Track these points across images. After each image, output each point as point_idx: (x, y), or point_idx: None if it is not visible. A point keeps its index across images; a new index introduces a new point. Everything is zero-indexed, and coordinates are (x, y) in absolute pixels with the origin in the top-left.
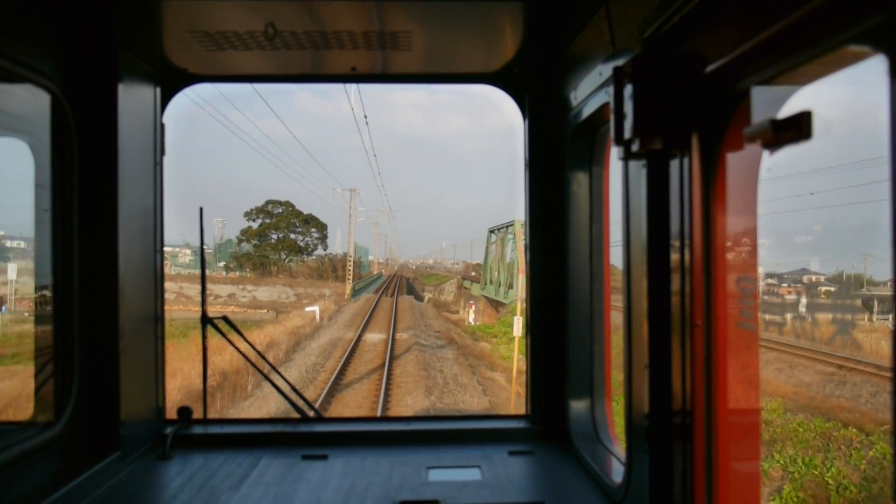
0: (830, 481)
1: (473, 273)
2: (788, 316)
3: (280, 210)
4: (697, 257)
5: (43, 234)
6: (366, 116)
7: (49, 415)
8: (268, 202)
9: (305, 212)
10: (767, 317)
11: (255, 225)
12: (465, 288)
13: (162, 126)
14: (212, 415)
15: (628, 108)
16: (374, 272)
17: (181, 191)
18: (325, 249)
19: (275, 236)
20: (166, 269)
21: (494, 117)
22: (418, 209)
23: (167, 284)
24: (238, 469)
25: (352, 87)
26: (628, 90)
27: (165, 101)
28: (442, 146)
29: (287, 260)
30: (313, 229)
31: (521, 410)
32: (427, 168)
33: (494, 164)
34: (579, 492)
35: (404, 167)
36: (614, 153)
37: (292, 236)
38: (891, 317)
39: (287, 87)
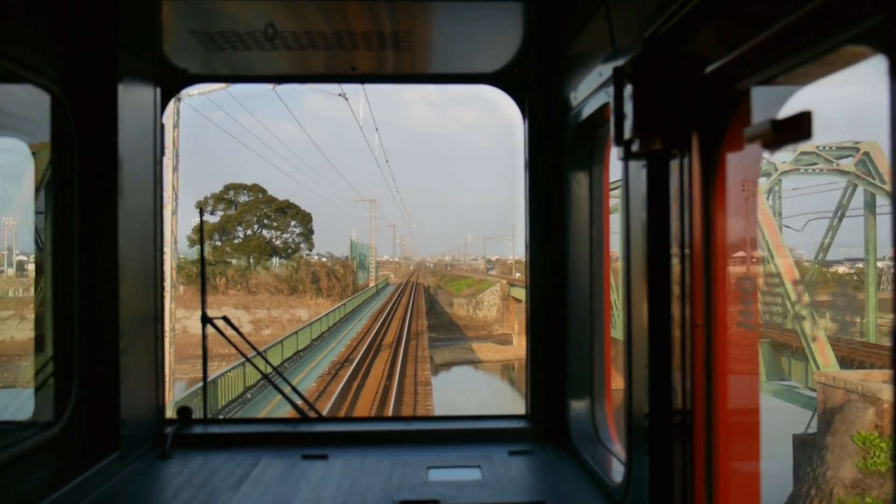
0: None
1: (518, 275)
2: None
3: (246, 198)
4: (697, 257)
5: (43, 234)
6: (377, 129)
7: (49, 415)
8: (229, 187)
9: (281, 198)
10: None
11: (214, 219)
12: (518, 300)
13: (162, 126)
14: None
15: (628, 108)
16: (373, 284)
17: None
18: (310, 249)
19: (241, 233)
20: None
21: (506, 110)
22: (431, 206)
23: None
24: (238, 469)
25: (355, 90)
26: (628, 90)
27: (165, 101)
28: (454, 141)
29: (256, 266)
30: (293, 222)
31: None
32: (439, 164)
33: (507, 157)
34: (579, 492)
35: (415, 164)
36: (614, 153)
37: (265, 233)
38: None
39: (296, 87)
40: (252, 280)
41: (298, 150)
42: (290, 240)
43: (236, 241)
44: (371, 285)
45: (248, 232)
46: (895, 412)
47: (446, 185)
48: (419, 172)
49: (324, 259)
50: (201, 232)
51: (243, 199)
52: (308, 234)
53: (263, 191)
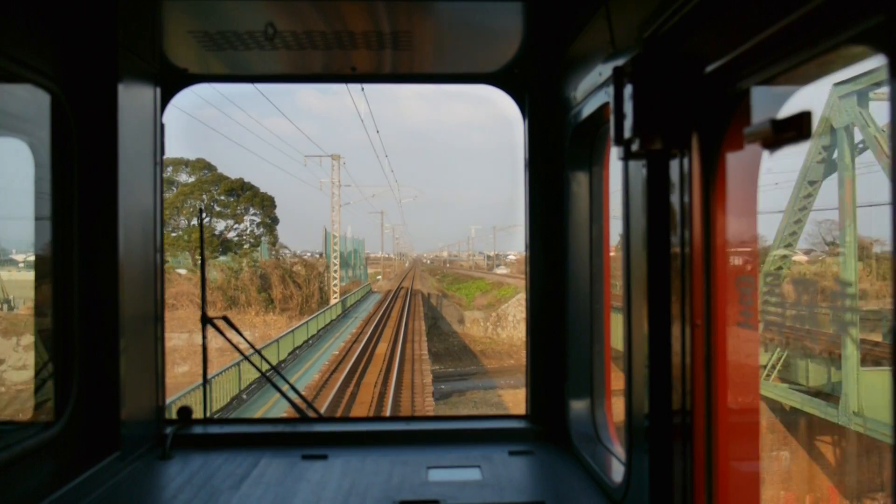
0: None
1: None
2: None
3: (189, 177)
4: (697, 257)
5: (43, 234)
6: (377, 131)
7: (49, 415)
8: (167, 163)
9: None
10: None
11: None
12: None
13: (162, 126)
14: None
15: (628, 108)
16: (336, 300)
17: None
18: (273, 243)
19: (184, 223)
20: None
21: (502, 107)
22: (429, 204)
23: None
24: (238, 469)
25: (354, 86)
26: (628, 90)
27: (165, 101)
28: (449, 138)
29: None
30: (250, 207)
31: None
32: (434, 161)
33: (504, 153)
34: (579, 492)
35: (411, 161)
36: (614, 153)
37: (215, 224)
38: None
39: (291, 86)
40: (174, 287)
41: (290, 144)
42: (248, 230)
43: (174, 235)
44: (333, 301)
45: (193, 221)
46: (895, 411)
47: (444, 183)
48: (417, 170)
49: (275, 251)
50: (201, 232)
51: (184, 178)
52: (271, 223)
53: (211, 167)
